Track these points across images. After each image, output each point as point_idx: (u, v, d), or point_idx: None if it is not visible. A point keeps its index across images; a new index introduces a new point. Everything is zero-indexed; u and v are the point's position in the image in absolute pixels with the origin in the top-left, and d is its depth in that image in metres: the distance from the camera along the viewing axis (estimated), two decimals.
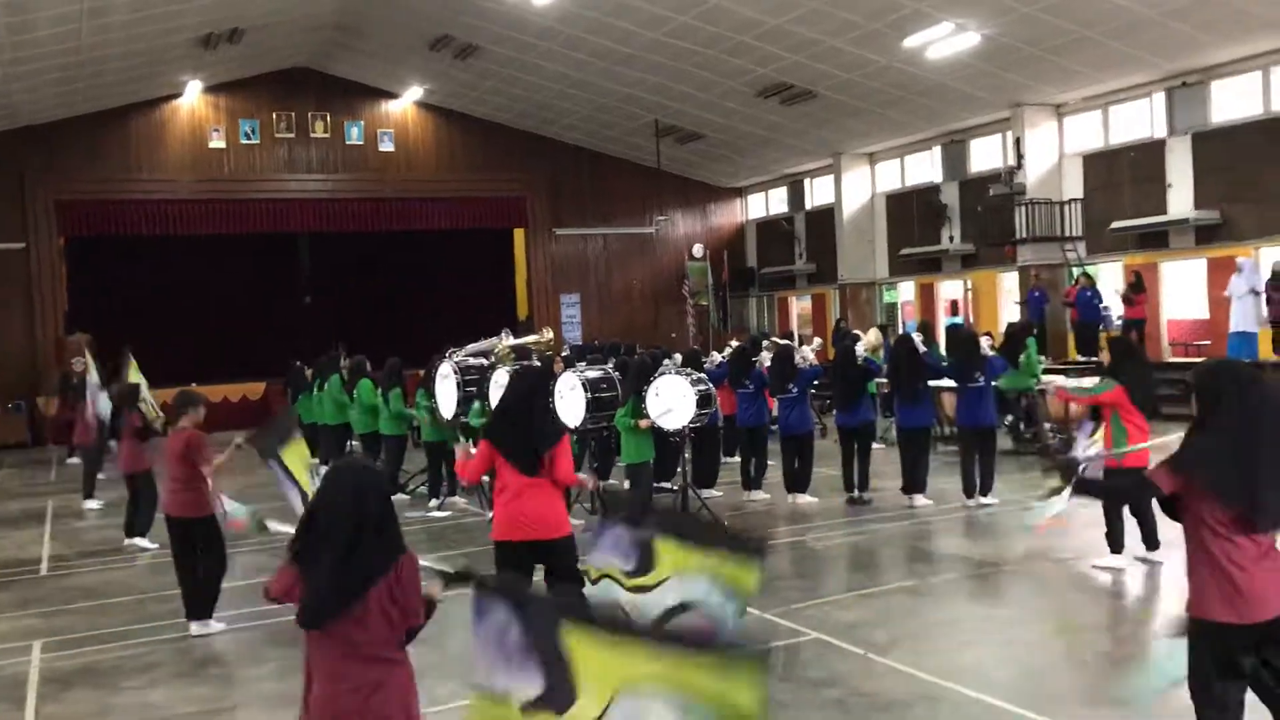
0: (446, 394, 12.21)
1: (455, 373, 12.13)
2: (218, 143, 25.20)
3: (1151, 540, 8.15)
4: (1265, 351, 17.60)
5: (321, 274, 29.59)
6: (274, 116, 25.58)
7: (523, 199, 27.99)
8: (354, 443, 14.98)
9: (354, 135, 26.23)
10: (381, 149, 26.59)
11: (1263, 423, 3.88)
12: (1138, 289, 19.69)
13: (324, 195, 26.11)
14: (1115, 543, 8.22)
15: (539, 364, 12.10)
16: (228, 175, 25.38)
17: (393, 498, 13.14)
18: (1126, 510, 8.15)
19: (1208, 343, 19.64)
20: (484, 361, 12.97)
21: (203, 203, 24.98)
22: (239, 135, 25.36)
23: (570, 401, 10.80)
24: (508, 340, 17.02)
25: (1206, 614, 3.95)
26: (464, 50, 22.76)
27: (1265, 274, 17.66)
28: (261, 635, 7.60)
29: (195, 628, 7.76)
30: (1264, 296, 17.44)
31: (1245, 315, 17.36)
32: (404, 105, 26.73)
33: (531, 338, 17.97)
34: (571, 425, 10.66)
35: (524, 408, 6.17)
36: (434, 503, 12.45)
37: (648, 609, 3.97)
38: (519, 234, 28.78)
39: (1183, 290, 21.10)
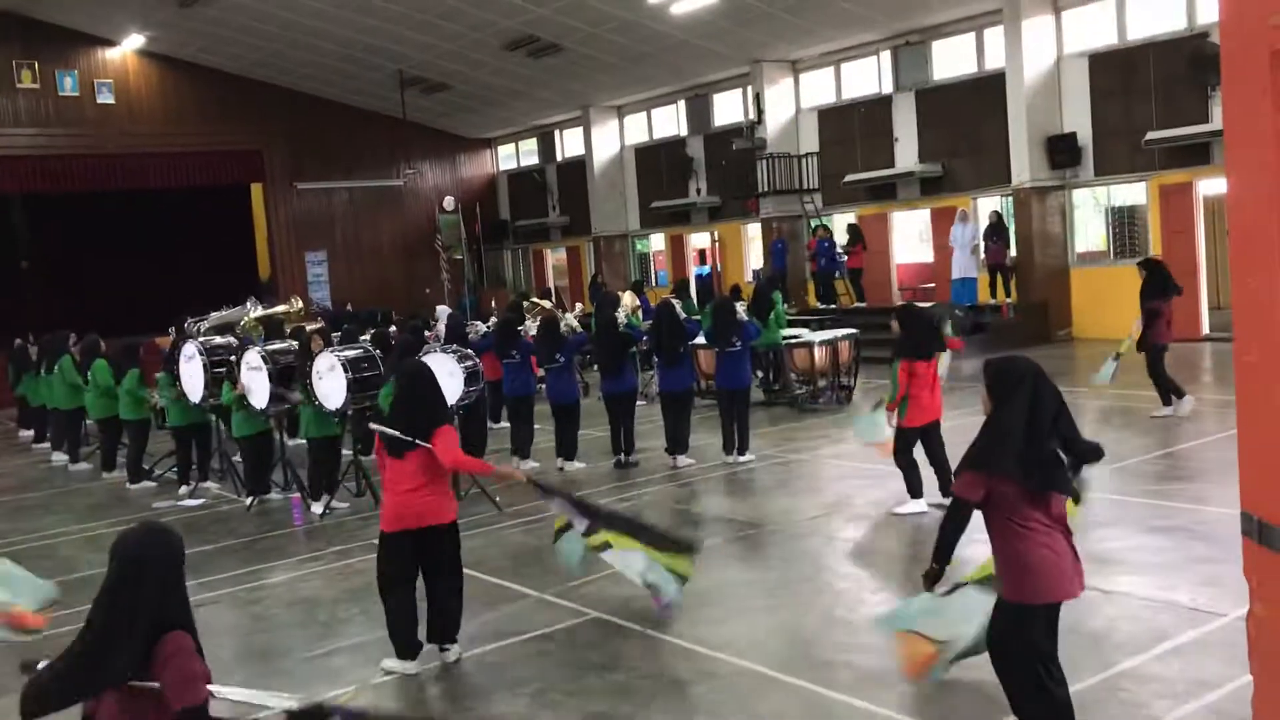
0: (193, 375, 11.59)
1: (201, 353, 11.53)
2: None
3: (947, 487, 8.70)
4: (984, 295, 19.12)
5: (41, 238, 27.25)
6: None
7: (258, 152, 26.64)
8: (88, 422, 14.19)
9: (68, 86, 24.19)
10: (100, 100, 24.64)
11: (1044, 406, 4.34)
12: (854, 240, 20.97)
13: (35, 151, 23.98)
14: (914, 489, 8.81)
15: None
16: None
17: (140, 484, 12.08)
18: (922, 456, 8.75)
19: (932, 286, 21.15)
20: (232, 340, 12.39)
21: None
22: None
23: (330, 382, 10.47)
24: (255, 311, 16.34)
25: (1022, 598, 4.35)
26: None
27: (983, 223, 19.14)
28: None
29: None
30: (983, 245, 18.91)
31: (966, 262, 18.78)
32: (123, 53, 24.81)
33: (280, 308, 17.31)
34: (334, 406, 10.39)
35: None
36: (184, 489, 11.87)
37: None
38: (256, 190, 27.44)
39: (909, 237, 22.60)
